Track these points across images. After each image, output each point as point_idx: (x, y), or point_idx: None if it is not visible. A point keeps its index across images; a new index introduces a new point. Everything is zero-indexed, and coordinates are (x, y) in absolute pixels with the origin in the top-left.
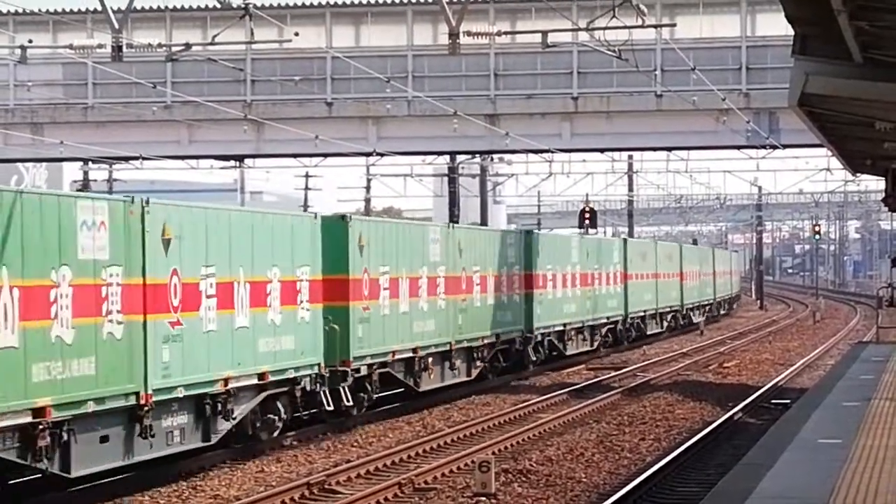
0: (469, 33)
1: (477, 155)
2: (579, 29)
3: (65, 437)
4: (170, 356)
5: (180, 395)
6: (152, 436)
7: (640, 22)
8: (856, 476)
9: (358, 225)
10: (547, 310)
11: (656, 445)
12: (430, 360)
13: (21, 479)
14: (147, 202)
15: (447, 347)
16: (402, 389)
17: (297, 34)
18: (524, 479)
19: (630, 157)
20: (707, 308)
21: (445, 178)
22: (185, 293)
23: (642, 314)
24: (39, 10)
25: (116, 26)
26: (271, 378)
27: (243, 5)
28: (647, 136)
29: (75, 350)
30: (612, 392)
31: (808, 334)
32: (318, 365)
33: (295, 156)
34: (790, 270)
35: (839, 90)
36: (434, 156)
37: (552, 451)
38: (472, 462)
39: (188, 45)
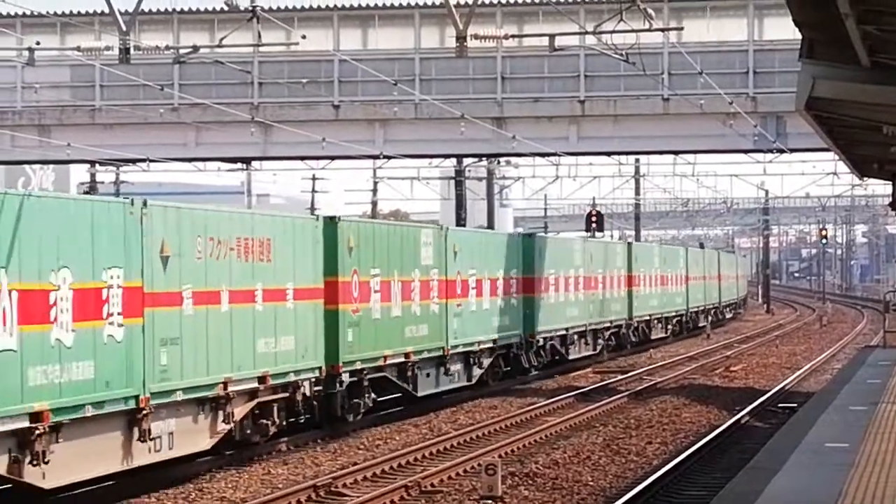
0: (476, 36)
1: (484, 158)
2: (587, 32)
3: (415, 371)
4: (456, 325)
5: (459, 350)
6: (449, 375)
7: (647, 25)
8: (863, 480)
9: (538, 240)
10: (640, 303)
11: (663, 449)
12: (576, 336)
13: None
14: (448, 229)
15: (584, 328)
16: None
17: (304, 37)
18: (530, 482)
19: (637, 160)
20: (734, 305)
21: (452, 181)
22: (463, 286)
23: (696, 309)
24: (47, 13)
25: (124, 28)
26: (499, 343)
27: (251, 8)
28: (653, 139)
29: (420, 319)
30: (618, 395)
31: (814, 338)
32: (520, 336)
33: (302, 158)
34: (797, 274)
35: (846, 94)
36: (441, 159)
37: (558, 455)
38: (479, 465)
39: (195, 48)
